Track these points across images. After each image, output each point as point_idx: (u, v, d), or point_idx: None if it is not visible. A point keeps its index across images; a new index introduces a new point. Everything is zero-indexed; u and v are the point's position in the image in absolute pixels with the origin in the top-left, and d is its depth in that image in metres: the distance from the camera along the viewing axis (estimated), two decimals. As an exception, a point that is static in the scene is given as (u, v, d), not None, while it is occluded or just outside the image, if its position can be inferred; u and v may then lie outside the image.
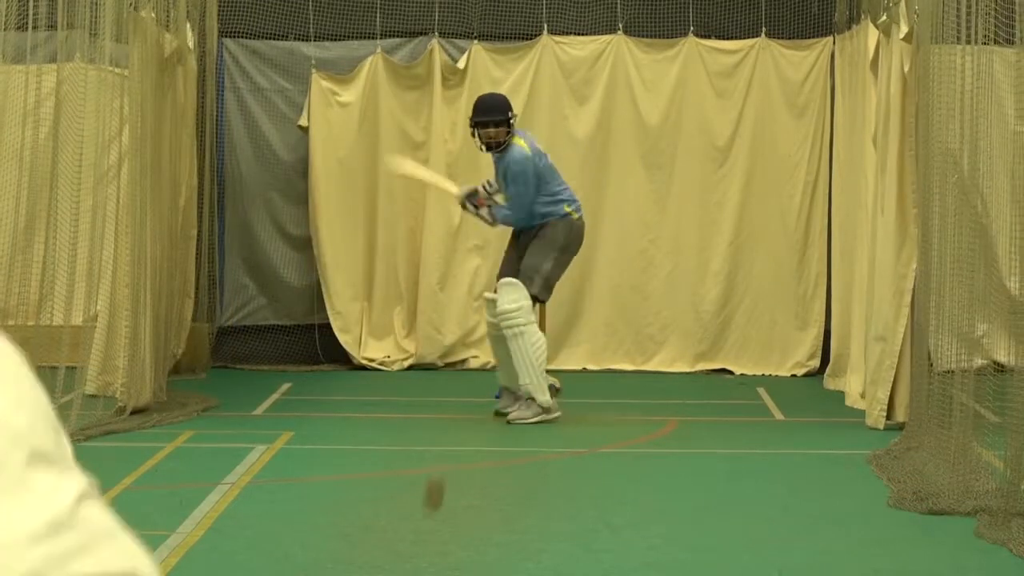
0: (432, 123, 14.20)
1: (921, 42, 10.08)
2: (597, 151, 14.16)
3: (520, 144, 11.29)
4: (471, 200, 11.47)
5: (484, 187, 11.52)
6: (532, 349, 11.16)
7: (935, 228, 9.55)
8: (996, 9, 8.62)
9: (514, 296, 11.21)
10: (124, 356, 11.41)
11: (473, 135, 11.38)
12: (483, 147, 11.33)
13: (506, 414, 11.39)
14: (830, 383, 12.89)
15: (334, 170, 14.18)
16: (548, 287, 11.39)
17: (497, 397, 12.36)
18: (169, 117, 12.24)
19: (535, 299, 11.32)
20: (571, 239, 11.42)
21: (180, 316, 12.91)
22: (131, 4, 11.26)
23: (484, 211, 11.44)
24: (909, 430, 9.90)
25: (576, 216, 11.44)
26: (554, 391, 12.26)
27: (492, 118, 11.22)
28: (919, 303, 10.25)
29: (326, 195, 14.17)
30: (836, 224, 13.11)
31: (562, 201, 11.37)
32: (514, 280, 11.26)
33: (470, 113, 11.57)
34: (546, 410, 11.21)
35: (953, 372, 9.19)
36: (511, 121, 11.25)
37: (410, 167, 12.60)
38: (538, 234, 11.34)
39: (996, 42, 8.76)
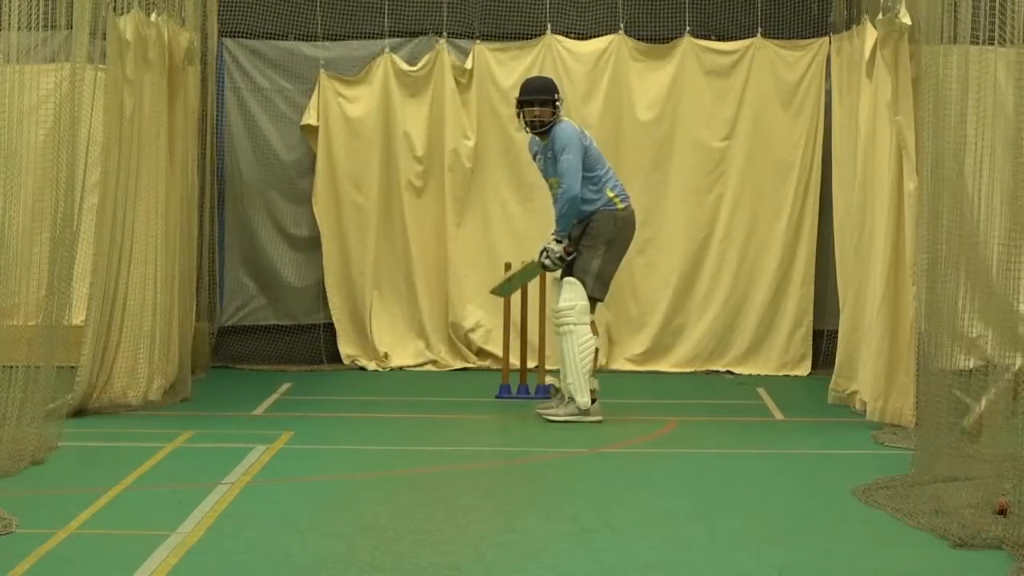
0: (434, 123, 14.20)
1: (921, 42, 10.08)
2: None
3: (568, 120, 11.53)
4: (545, 254, 11.47)
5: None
6: (579, 349, 11.19)
7: (934, 229, 9.55)
8: (998, 8, 8.60)
9: (569, 295, 11.26)
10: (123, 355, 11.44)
11: (519, 116, 11.47)
12: (527, 127, 11.42)
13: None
14: (833, 383, 12.86)
15: (339, 169, 14.20)
16: (602, 284, 11.37)
17: (498, 397, 12.38)
18: (181, 117, 12.28)
19: (592, 299, 11.32)
20: (617, 230, 11.41)
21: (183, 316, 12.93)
22: (110, 3, 11.24)
23: (552, 244, 11.42)
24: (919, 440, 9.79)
25: (622, 206, 11.45)
26: (553, 390, 12.28)
27: (537, 97, 11.36)
28: (918, 303, 10.24)
29: (331, 194, 14.19)
30: (837, 225, 13.11)
31: (605, 188, 11.41)
32: (573, 279, 11.29)
33: (516, 96, 11.57)
34: (583, 412, 11.23)
35: (950, 372, 9.17)
36: (556, 103, 11.37)
37: (505, 287, 12.42)
38: (584, 231, 11.36)
39: (997, 42, 8.75)
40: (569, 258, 11.38)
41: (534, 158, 11.67)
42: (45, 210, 10.83)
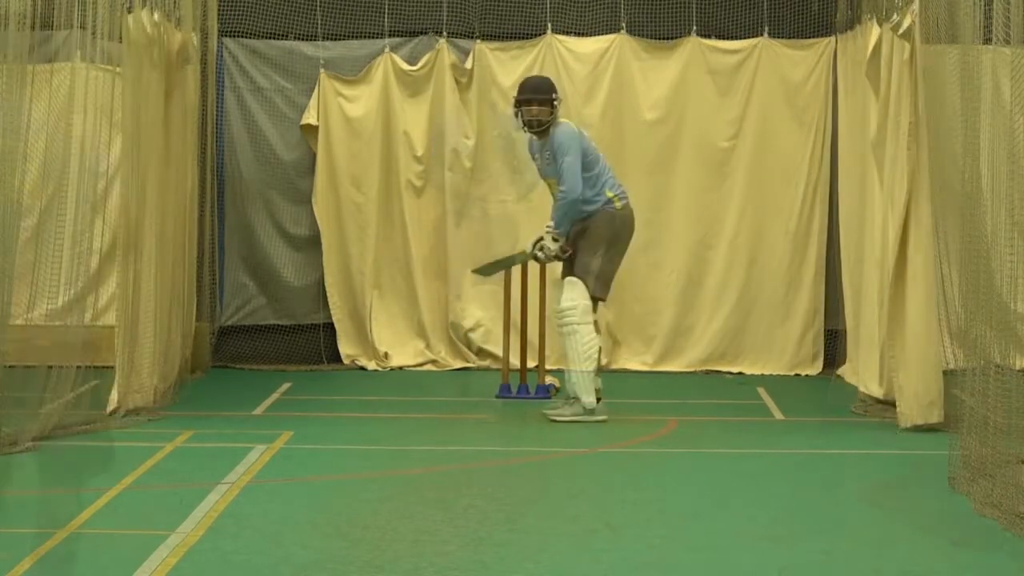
0: (434, 123, 14.19)
1: (928, 41, 10.07)
2: (601, 151, 14.14)
3: (565, 121, 11.59)
4: (539, 247, 11.46)
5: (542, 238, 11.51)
6: (583, 349, 11.21)
7: (943, 227, 9.55)
8: (1006, 9, 8.60)
9: (571, 295, 11.25)
10: (122, 357, 11.43)
11: (517, 115, 11.52)
12: (525, 127, 11.46)
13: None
14: (842, 382, 12.86)
15: (339, 169, 14.20)
16: (604, 284, 11.38)
17: (498, 397, 12.37)
18: (177, 116, 12.27)
19: (594, 298, 11.33)
20: (617, 230, 11.43)
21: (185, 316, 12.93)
22: (125, 4, 11.25)
23: (548, 241, 11.41)
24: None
25: (620, 205, 11.45)
26: (554, 390, 12.28)
27: (536, 96, 11.41)
28: (929, 302, 10.23)
29: (331, 194, 14.19)
30: (843, 224, 13.11)
31: (604, 188, 11.42)
32: (574, 278, 11.29)
33: (515, 95, 11.61)
34: (589, 411, 11.24)
35: (959, 372, 9.17)
36: (555, 103, 11.42)
37: (488, 269, 12.38)
38: (583, 231, 11.37)
39: (1002, 42, 8.74)
40: (565, 256, 11.40)
41: (532, 157, 11.70)
42: (43, 209, 10.85)
